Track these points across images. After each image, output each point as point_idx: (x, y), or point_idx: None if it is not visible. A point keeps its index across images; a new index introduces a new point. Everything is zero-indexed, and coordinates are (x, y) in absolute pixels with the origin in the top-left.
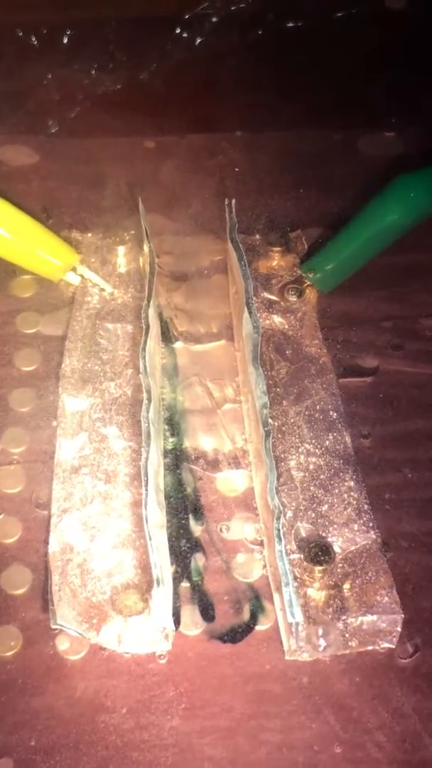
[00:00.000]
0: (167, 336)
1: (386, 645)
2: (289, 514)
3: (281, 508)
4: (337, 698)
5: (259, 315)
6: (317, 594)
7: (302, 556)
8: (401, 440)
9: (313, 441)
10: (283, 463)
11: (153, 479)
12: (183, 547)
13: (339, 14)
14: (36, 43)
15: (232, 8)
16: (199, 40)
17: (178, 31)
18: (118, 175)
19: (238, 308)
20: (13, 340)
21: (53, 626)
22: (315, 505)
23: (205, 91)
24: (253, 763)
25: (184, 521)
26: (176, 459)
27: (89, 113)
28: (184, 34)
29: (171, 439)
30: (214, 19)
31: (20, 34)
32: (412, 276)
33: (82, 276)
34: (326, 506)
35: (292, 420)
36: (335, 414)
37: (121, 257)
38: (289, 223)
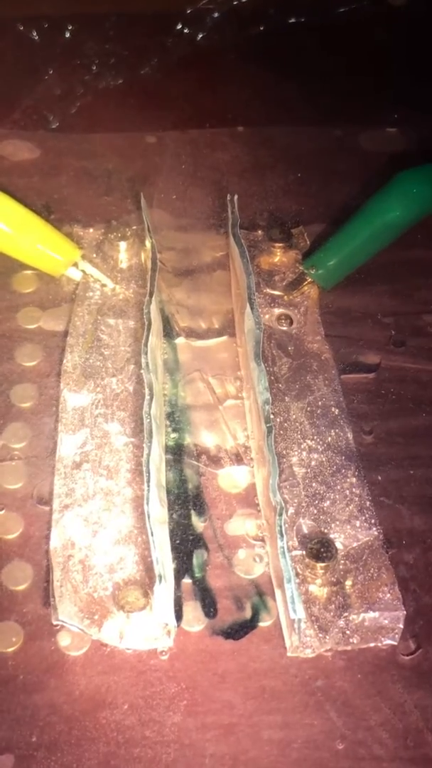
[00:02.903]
0: (169, 332)
1: (388, 642)
2: (291, 510)
3: (283, 505)
4: (339, 695)
5: (261, 311)
6: (319, 591)
7: (304, 552)
8: (403, 436)
9: (315, 437)
10: (285, 460)
11: (155, 475)
12: (185, 543)
13: (341, 10)
14: (37, 38)
15: (234, 3)
16: (200, 36)
17: (179, 26)
18: (119, 170)
19: (239, 304)
20: (14, 335)
21: (54, 622)
22: (317, 502)
23: (206, 87)
24: (254, 759)
25: (185, 517)
26: (178, 455)
27: (90, 108)
28: (186, 30)
29: (173, 435)
30: (216, 15)
31: (21, 28)
32: (415, 272)
33: (83, 271)
34: (328, 503)
35: (294, 416)
36: (337, 410)
37: (123, 253)
38: (291, 219)
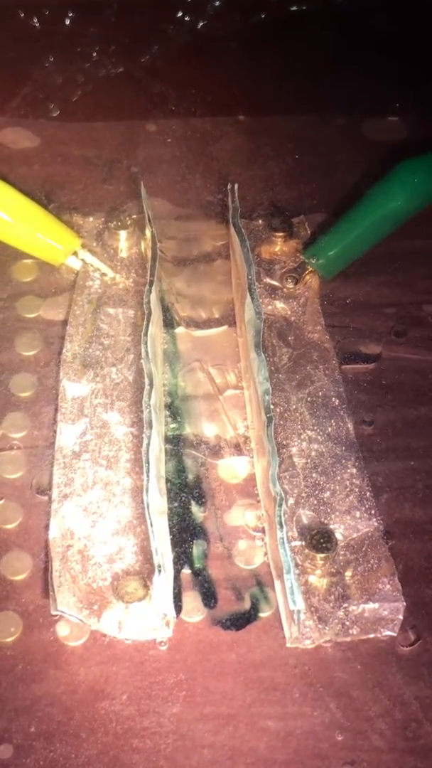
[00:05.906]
0: (169, 321)
1: (388, 633)
2: (291, 501)
3: (283, 495)
4: (338, 686)
5: (261, 300)
6: (319, 581)
7: (304, 543)
8: (404, 427)
9: (315, 427)
10: (284, 450)
11: (154, 465)
12: (184, 534)
13: None
14: (37, 25)
15: None
16: (201, 24)
17: (180, 14)
18: (120, 158)
19: (240, 294)
20: (14, 324)
21: (54, 612)
22: (317, 492)
23: (207, 75)
24: (253, 750)
25: (185, 507)
26: (178, 445)
27: (91, 96)
28: (187, 18)
29: (172, 425)
30: (217, 3)
31: (22, 15)
32: (416, 262)
33: (83, 260)
34: (328, 493)
35: (294, 406)
36: (337, 400)
37: (123, 242)
38: (292, 208)
